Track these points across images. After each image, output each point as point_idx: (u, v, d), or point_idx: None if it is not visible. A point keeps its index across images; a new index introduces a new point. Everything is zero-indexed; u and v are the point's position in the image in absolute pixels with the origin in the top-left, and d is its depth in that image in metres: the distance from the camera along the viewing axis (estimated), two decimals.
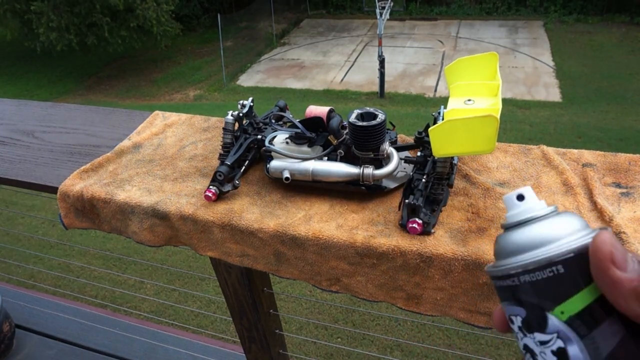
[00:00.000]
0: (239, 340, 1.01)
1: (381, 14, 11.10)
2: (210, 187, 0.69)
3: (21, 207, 4.24)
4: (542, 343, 0.24)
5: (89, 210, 0.78)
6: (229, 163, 0.70)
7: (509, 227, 0.28)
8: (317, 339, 2.74)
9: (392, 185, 0.67)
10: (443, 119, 0.60)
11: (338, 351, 2.71)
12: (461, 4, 15.55)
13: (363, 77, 11.87)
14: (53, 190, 0.80)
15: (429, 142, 0.59)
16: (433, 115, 0.67)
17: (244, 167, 0.73)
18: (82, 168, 0.81)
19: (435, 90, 11.07)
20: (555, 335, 0.23)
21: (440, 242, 0.58)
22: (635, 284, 0.21)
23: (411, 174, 0.65)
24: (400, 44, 13.81)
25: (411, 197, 0.60)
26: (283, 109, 0.81)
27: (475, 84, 0.62)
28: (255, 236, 0.66)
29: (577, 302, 0.23)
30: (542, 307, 0.24)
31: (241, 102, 0.76)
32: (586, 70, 11.16)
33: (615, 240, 0.22)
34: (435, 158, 0.62)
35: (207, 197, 0.69)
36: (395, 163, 0.65)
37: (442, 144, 0.56)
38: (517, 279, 0.25)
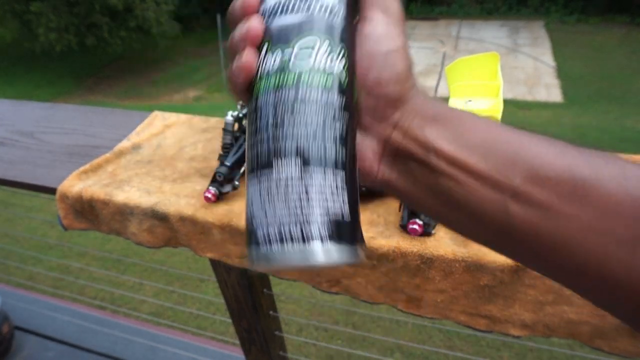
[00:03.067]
0: (238, 342, 1.00)
1: None
2: (210, 188, 0.69)
3: (20, 208, 4.24)
4: None
5: (88, 211, 0.77)
6: (228, 164, 0.70)
7: None
8: (317, 341, 2.74)
9: None
10: None
11: (338, 353, 2.71)
12: (462, 4, 15.55)
13: None
14: (52, 191, 0.79)
15: None
16: None
17: (243, 168, 0.73)
18: (81, 169, 0.80)
19: (436, 91, 11.07)
20: None
21: (441, 244, 0.57)
22: None
23: None
24: None
25: None
26: None
27: (476, 84, 0.62)
28: None
29: None
30: None
31: (241, 102, 0.75)
32: (587, 71, 11.16)
33: None
34: None
35: (206, 198, 0.69)
36: None
37: None
38: None
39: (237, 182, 0.70)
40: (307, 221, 0.25)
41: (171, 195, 0.72)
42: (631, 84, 10.28)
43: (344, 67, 0.28)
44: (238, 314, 0.93)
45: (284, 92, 0.27)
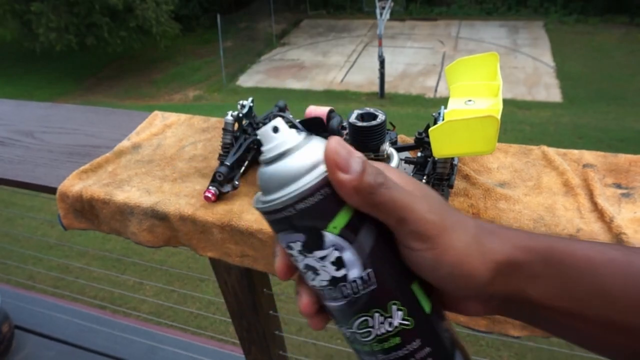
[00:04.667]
0: (238, 342, 1.00)
1: (381, 14, 11.10)
2: (210, 187, 0.69)
3: (20, 207, 4.24)
4: (322, 258, 0.28)
5: (88, 210, 0.78)
6: (228, 163, 0.70)
7: (271, 161, 0.29)
8: (317, 340, 2.74)
9: None
10: (443, 120, 0.59)
11: (338, 352, 2.71)
12: (461, 4, 15.55)
13: (363, 78, 11.87)
14: (52, 190, 0.79)
15: (429, 143, 0.58)
16: (433, 116, 0.66)
17: (243, 168, 0.73)
18: (81, 168, 0.80)
19: (436, 91, 11.07)
20: (332, 248, 0.28)
21: None
22: (354, 183, 0.26)
23: (411, 174, 0.65)
24: (401, 44, 13.82)
25: None
26: (283, 109, 0.80)
27: (475, 84, 0.62)
28: (255, 237, 0.65)
29: (343, 216, 0.28)
30: (318, 227, 0.28)
31: (241, 102, 0.75)
32: (586, 71, 11.16)
33: (339, 147, 0.27)
34: (436, 159, 0.62)
35: (206, 197, 0.69)
36: (395, 164, 0.65)
37: (442, 145, 0.56)
38: (293, 208, 0.27)
39: (237, 182, 0.70)
40: None
41: (171, 194, 0.73)
42: (630, 84, 10.28)
43: (403, 316, 0.29)
44: (238, 313, 0.93)
45: (365, 356, 0.31)
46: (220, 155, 0.75)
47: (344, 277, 0.28)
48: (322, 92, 11.30)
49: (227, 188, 0.69)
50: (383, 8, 11.21)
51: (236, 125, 0.75)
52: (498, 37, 13.61)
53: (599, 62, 11.58)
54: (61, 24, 11.65)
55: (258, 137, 0.32)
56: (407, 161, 0.68)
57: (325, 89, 11.52)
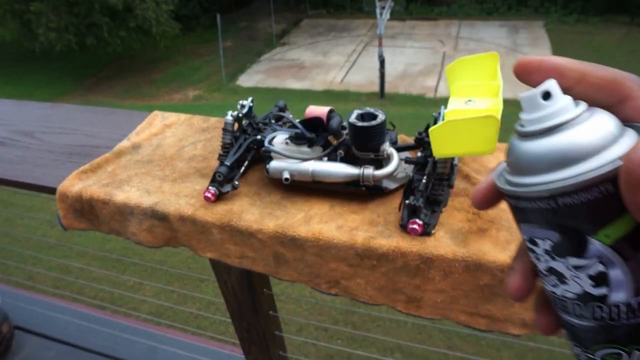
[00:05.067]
0: (238, 342, 1.00)
1: (381, 14, 11.11)
2: (210, 187, 0.69)
3: (20, 207, 4.24)
4: (578, 267, 0.22)
5: (87, 211, 0.77)
6: (228, 163, 0.70)
7: (533, 135, 0.22)
8: (317, 341, 2.74)
9: (392, 186, 0.67)
10: (443, 120, 0.59)
11: (338, 353, 2.71)
12: (461, 4, 15.55)
13: (363, 78, 11.87)
14: (52, 190, 0.79)
15: (429, 143, 0.58)
16: (433, 116, 0.66)
17: (243, 168, 0.73)
18: (81, 169, 0.80)
19: (436, 91, 11.07)
20: (595, 259, 0.21)
21: (441, 243, 0.57)
22: None
23: (411, 174, 0.65)
24: (401, 44, 13.82)
25: (411, 197, 0.59)
26: (283, 109, 0.80)
27: (476, 84, 0.62)
28: (255, 237, 0.65)
29: (624, 224, 0.20)
30: (582, 231, 0.21)
31: (241, 102, 0.75)
32: None
33: None
34: (436, 159, 0.62)
35: (206, 197, 0.69)
36: (395, 163, 0.64)
37: (442, 145, 0.56)
38: (554, 201, 0.21)
39: (236, 182, 0.70)
40: None
41: (171, 195, 0.73)
42: None
43: None
44: (238, 313, 0.93)
45: None
46: (220, 155, 0.75)
47: (603, 298, 0.22)
48: (322, 92, 11.30)
49: (227, 188, 0.69)
50: (383, 8, 11.21)
51: (236, 125, 0.75)
52: (498, 37, 13.60)
53: (599, 62, 11.47)
54: (61, 24, 11.65)
55: (521, 101, 0.23)
56: (407, 161, 0.68)
57: (325, 89, 11.53)
